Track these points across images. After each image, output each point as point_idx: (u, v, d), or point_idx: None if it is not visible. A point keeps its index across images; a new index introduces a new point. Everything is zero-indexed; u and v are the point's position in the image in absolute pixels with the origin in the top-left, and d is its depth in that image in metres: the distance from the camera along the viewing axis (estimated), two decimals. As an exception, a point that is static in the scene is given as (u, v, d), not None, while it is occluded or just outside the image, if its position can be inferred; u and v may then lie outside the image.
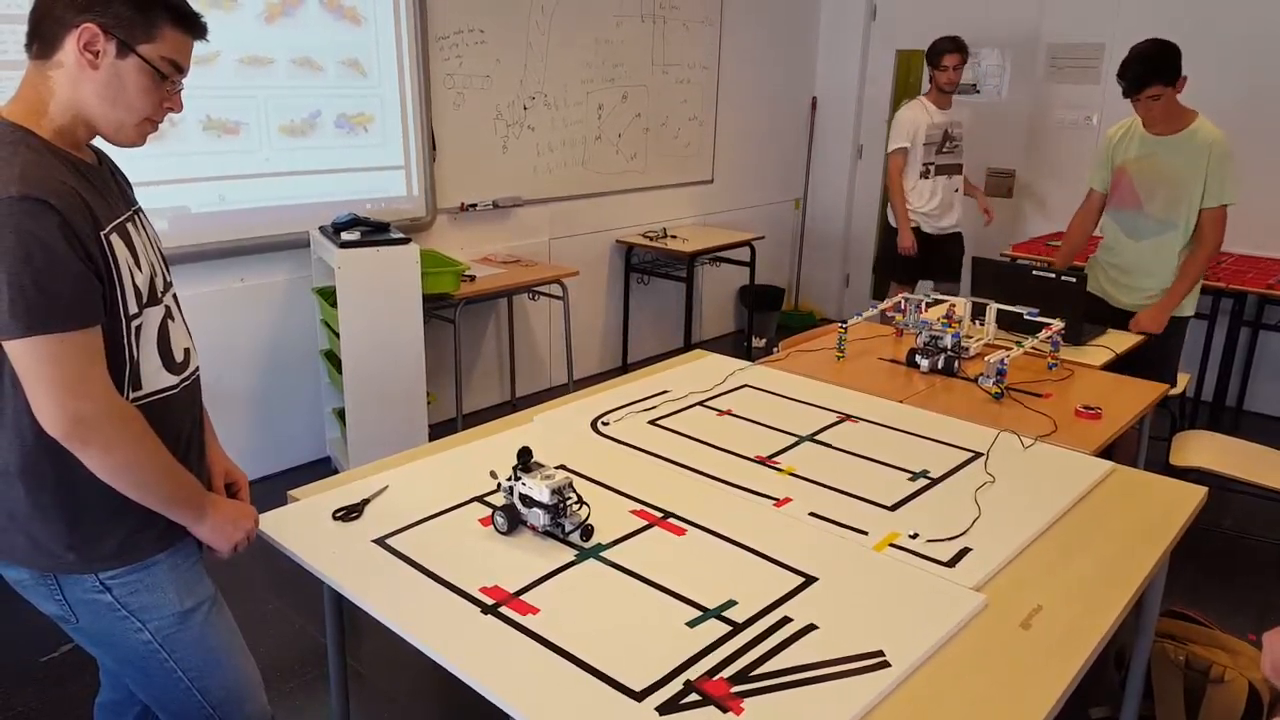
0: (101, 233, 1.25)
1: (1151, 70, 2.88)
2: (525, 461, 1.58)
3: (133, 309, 1.31)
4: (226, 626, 1.50)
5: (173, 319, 1.42)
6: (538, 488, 1.54)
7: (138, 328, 1.32)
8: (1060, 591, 1.49)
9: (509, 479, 1.59)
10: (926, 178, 4.38)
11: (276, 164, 3.37)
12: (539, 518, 1.56)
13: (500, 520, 1.58)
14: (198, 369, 1.49)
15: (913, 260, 4.40)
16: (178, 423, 1.41)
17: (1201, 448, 3.02)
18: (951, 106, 4.37)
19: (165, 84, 1.31)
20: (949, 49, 4.22)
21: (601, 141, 4.57)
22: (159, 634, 1.40)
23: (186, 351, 1.45)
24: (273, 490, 1.78)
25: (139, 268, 1.32)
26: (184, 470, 1.36)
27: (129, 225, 1.35)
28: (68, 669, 2.43)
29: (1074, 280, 2.83)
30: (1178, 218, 3.04)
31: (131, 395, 1.33)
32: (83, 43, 1.24)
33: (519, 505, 1.58)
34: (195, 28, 1.33)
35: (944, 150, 4.37)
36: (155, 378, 1.37)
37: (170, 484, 1.33)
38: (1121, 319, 3.15)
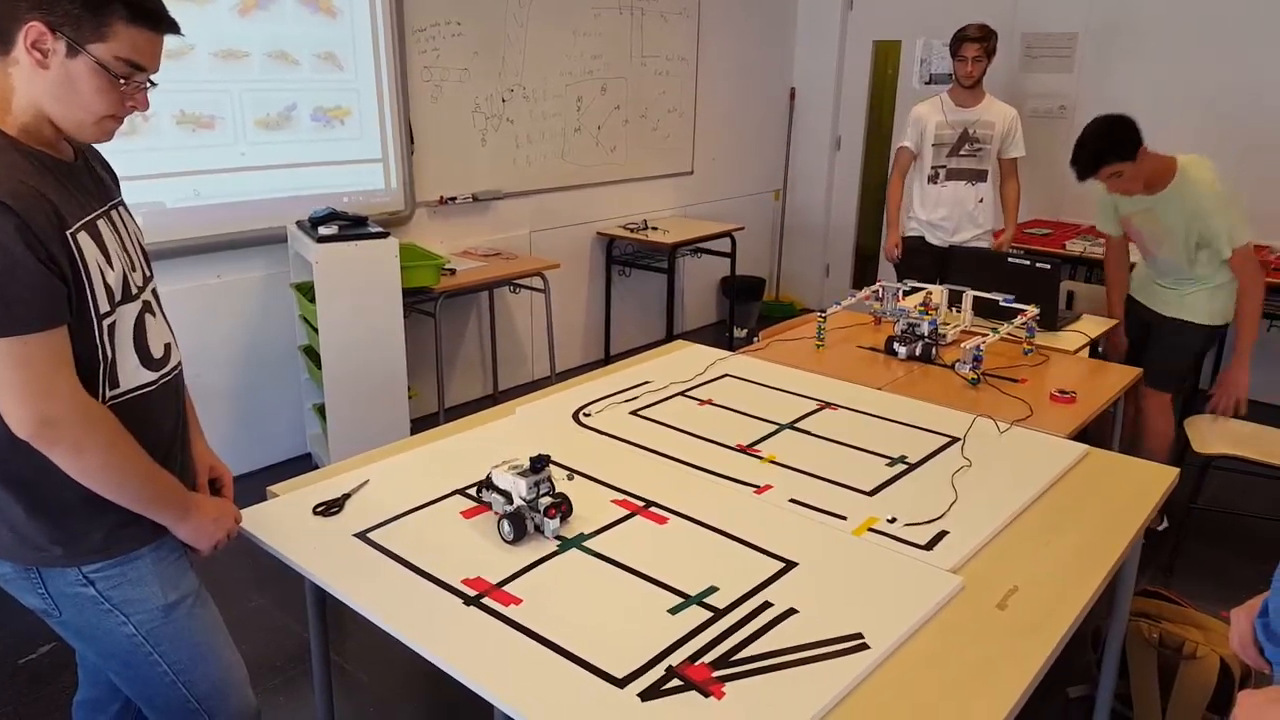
0: (67, 231, 1.23)
1: (1098, 155, 2.71)
2: (537, 466, 1.57)
3: (104, 307, 1.29)
4: (211, 620, 1.49)
5: (152, 314, 1.41)
6: (513, 482, 1.55)
7: (110, 325, 1.31)
8: (1036, 572, 1.51)
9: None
10: (934, 183, 3.91)
11: (252, 158, 3.34)
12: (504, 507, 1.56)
13: (506, 528, 1.54)
14: (179, 364, 1.48)
15: (925, 271, 3.78)
16: (160, 419, 1.40)
17: (1220, 433, 2.97)
18: (979, 104, 3.85)
19: (124, 83, 1.24)
20: (967, 37, 3.74)
21: (581, 134, 4.57)
22: (143, 628, 1.39)
23: (167, 347, 1.44)
24: (253, 487, 1.77)
25: (110, 265, 1.30)
26: (163, 471, 1.35)
27: (100, 222, 1.32)
28: (45, 670, 2.41)
29: (1048, 267, 2.86)
30: (1195, 265, 2.90)
31: (110, 393, 1.31)
32: (30, 41, 1.18)
33: (500, 492, 1.58)
34: (159, 23, 1.25)
35: (961, 153, 3.87)
36: (133, 375, 1.36)
37: (148, 486, 1.32)
38: (1150, 325, 3.11)
